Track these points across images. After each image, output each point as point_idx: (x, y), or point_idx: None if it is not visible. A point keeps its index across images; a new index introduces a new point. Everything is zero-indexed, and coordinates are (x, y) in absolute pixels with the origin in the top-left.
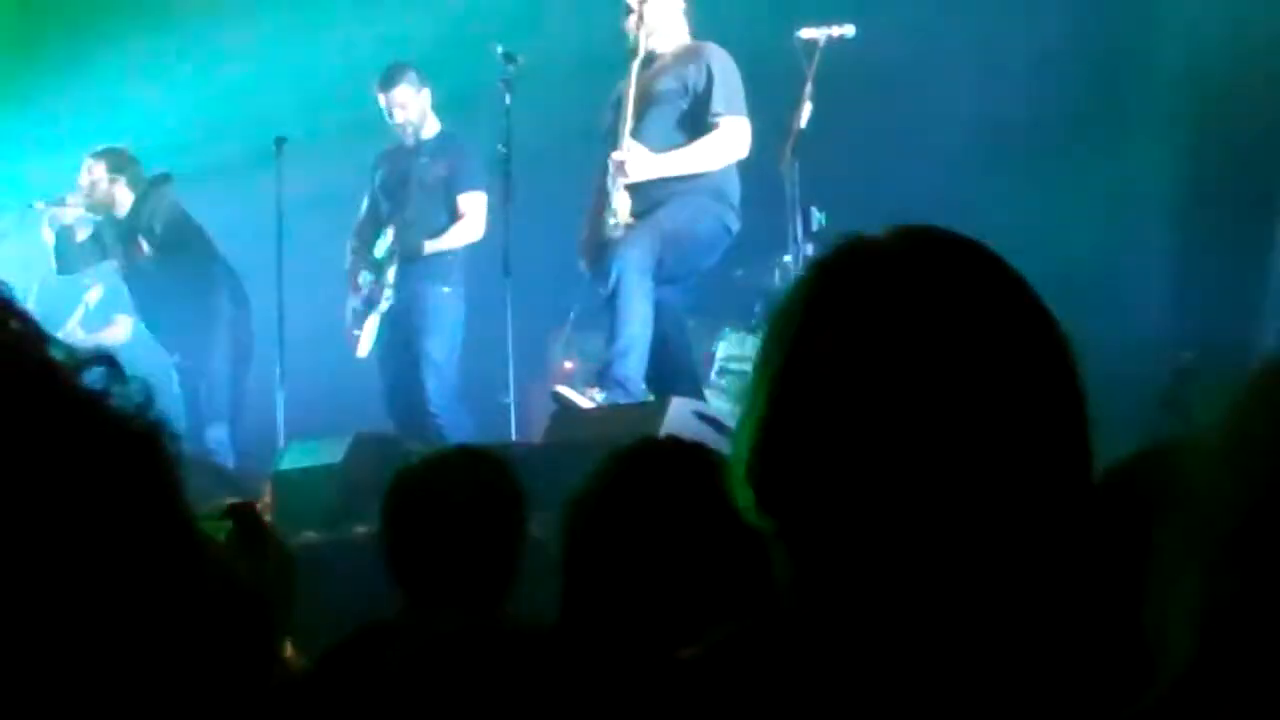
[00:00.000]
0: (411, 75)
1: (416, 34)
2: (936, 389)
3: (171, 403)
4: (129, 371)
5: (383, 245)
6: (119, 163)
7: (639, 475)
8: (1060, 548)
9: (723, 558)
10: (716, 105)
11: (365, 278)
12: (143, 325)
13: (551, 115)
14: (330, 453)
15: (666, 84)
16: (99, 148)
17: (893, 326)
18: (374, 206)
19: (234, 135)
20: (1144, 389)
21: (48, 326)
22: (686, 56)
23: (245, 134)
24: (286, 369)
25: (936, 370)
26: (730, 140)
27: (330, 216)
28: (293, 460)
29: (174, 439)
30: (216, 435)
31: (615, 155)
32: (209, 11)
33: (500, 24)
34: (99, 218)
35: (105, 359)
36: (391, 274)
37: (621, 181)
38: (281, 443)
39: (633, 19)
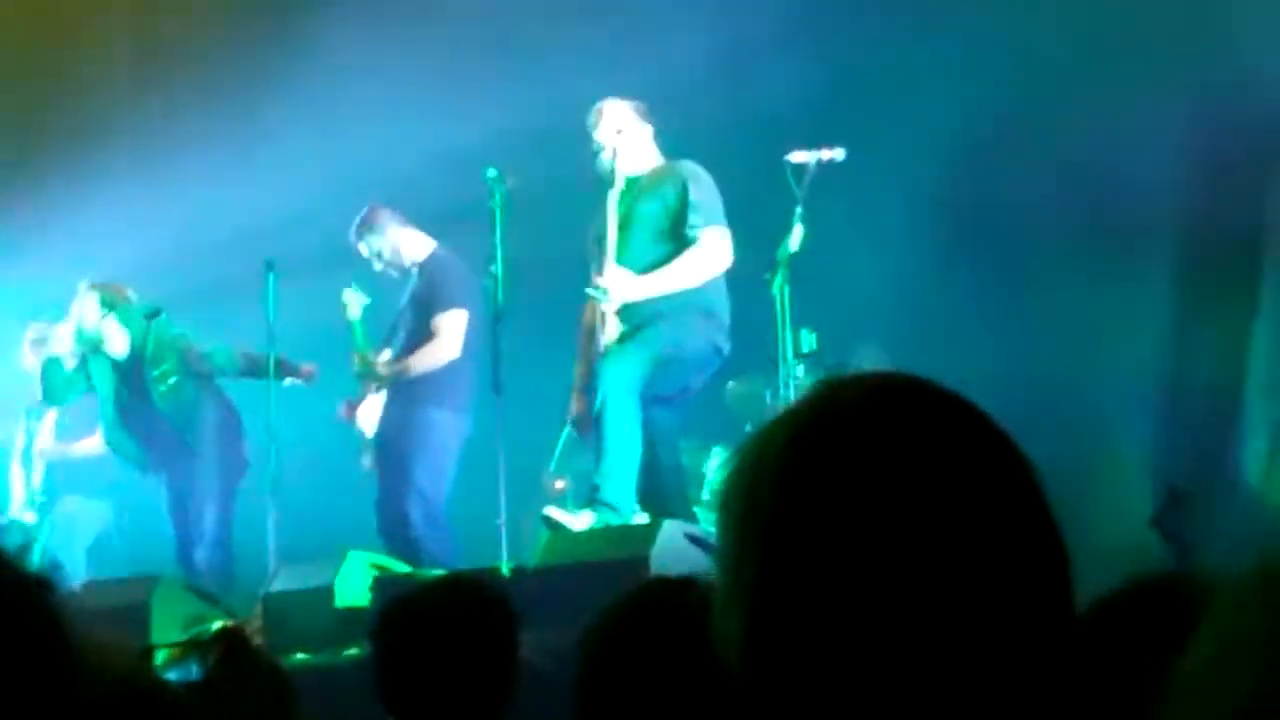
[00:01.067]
0: (379, 222)
1: (406, 153)
2: (919, 559)
3: (160, 523)
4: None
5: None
6: (111, 299)
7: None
8: (1046, 711)
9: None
10: (694, 218)
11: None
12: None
13: (543, 236)
14: (322, 575)
15: (646, 206)
16: (95, 279)
17: (869, 497)
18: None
19: (221, 257)
20: (1134, 513)
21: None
22: (662, 175)
23: (233, 256)
24: (279, 490)
25: (917, 540)
26: (711, 252)
27: (321, 336)
28: (284, 582)
29: (50, 590)
30: (205, 556)
31: (598, 279)
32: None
33: (492, 146)
34: (85, 350)
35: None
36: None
37: (605, 308)
38: (273, 565)
39: (606, 152)
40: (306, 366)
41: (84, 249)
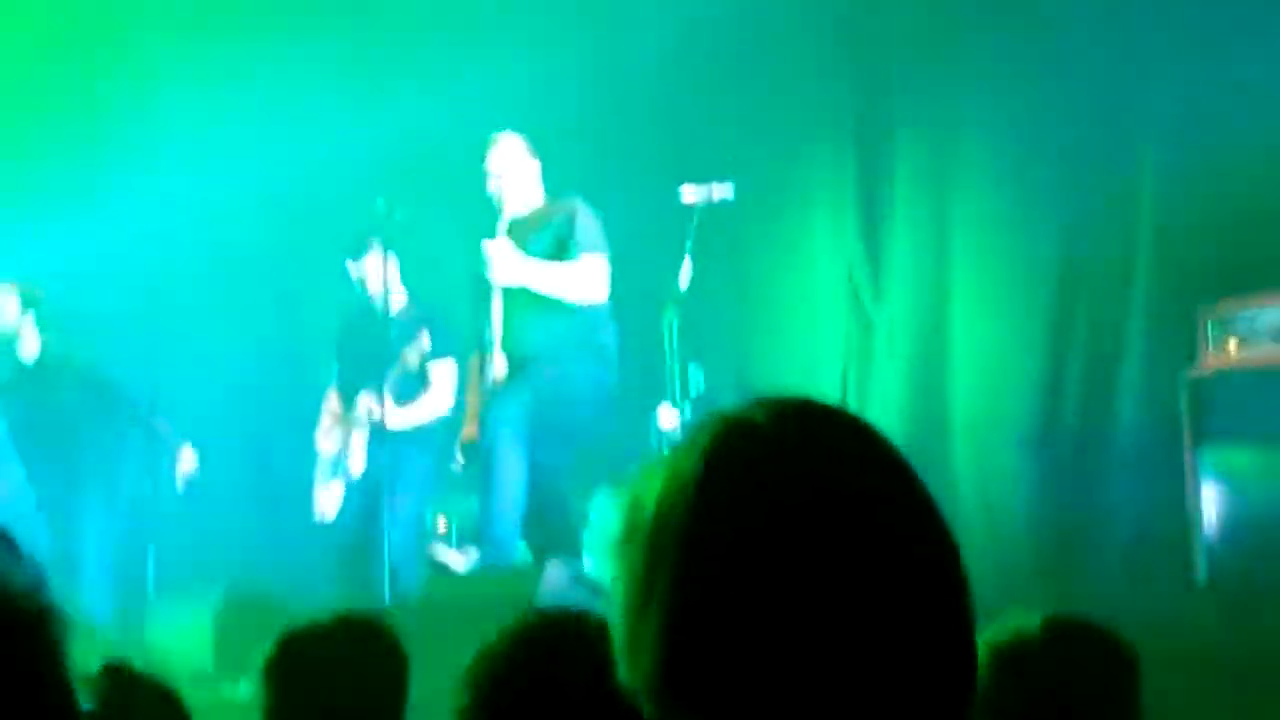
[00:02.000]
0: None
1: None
2: (822, 577)
3: (38, 548)
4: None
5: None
6: (31, 299)
7: (539, 656)
8: None
9: None
10: (576, 250)
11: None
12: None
13: (436, 265)
14: (201, 610)
15: (534, 241)
16: (11, 281)
17: (784, 511)
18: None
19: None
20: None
21: None
22: (550, 211)
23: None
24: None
25: (826, 562)
26: (590, 273)
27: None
28: (161, 617)
29: (62, 622)
30: (90, 587)
31: (487, 244)
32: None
33: (382, 175)
34: None
35: (5, 543)
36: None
37: (495, 281)
38: (152, 595)
39: (492, 182)
40: (186, 456)
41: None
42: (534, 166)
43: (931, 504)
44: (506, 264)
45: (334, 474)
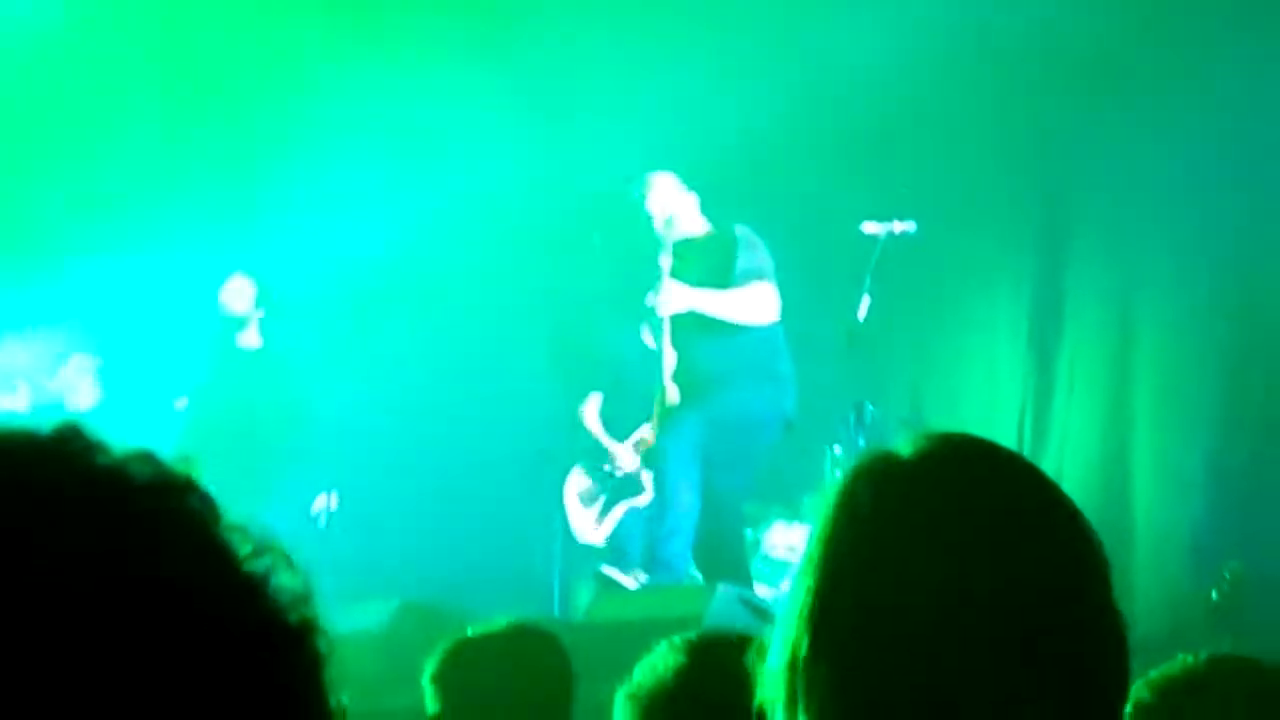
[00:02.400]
0: None
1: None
2: (964, 604)
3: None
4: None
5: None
6: (266, 295)
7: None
8: None
9: None
10: (741, 274)
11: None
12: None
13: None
14: (373, 619)
15: (697, 268)
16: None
17: (920, 546)
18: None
19: None
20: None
21: None
22: (713, 238)
23: None
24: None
25: (964, 582)
26: (758, 298)
27: None
28: (334, 624)
29: (325, 635)
30: None
31: (652, 295)
32: None
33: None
34: None
35: (276, 549)
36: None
37: (662, 312)
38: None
39: (657, 222)
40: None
41: None
42: (691, 199)
43: (1081, 530)
44: (675, 293)
45: (619, 498)
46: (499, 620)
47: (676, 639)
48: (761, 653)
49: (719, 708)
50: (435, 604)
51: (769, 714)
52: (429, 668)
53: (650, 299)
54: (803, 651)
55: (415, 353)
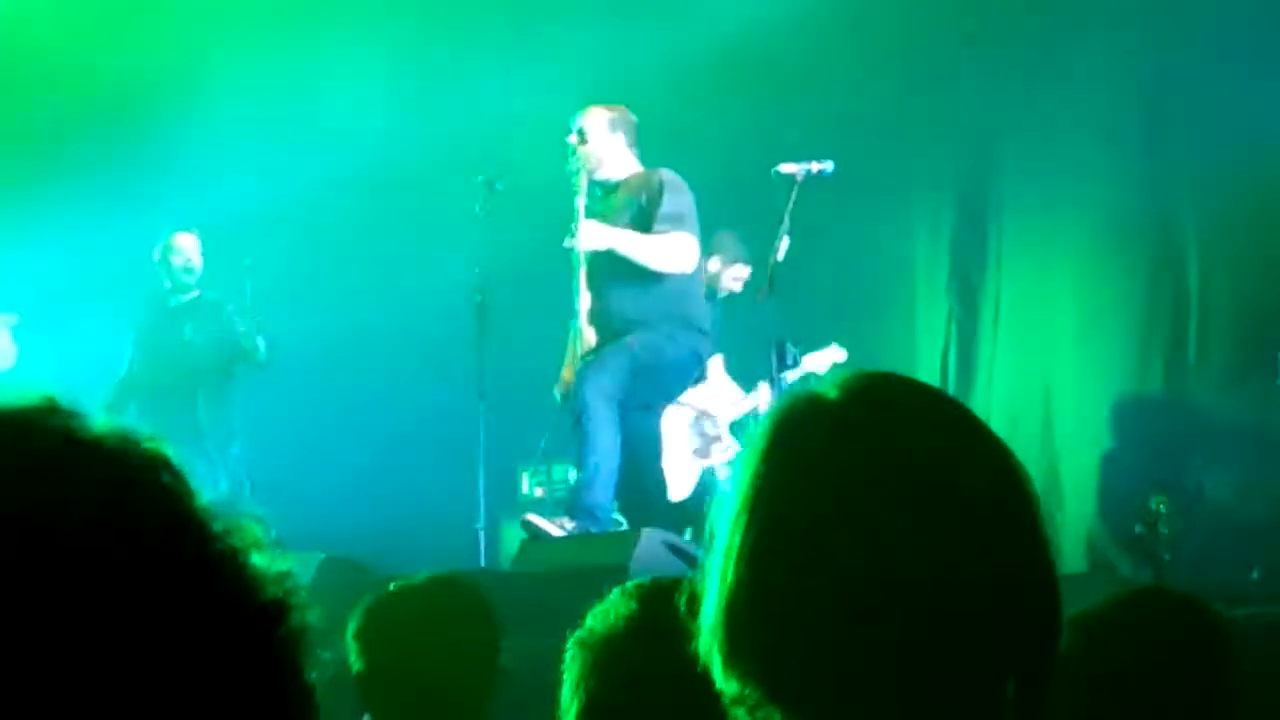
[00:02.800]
0: None
1: (401, 159)
2: (898, 544)
3: None
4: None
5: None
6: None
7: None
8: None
9: None
10: (662, 222)
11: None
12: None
13: (529, 245)
14: (297, 572)
15: (620, 211)
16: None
17: (853, 487)
18: None
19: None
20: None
21: None
22: (638, 182)
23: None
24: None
25: (897, 524)
26: (677, 246)
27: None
28: None
29: (302, 611)
30: None
31: (575, 226)
32: None
33: (479, 154)
34: None
35: (257, 521)
36: None
37: (578, 248)
38: None
39: (578, 154)
40: None
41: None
42: (618, 138)
43: (1011, 467)
44: (591, 231)
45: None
46: (420, 574)
47: (629, 585)
48: (694, 601)
49: (672, 655)
50: (359, 558)
51: (709, 666)
52: (351, 625)
53: (568, 239)
54: (739, 601)
55: (339, 310)
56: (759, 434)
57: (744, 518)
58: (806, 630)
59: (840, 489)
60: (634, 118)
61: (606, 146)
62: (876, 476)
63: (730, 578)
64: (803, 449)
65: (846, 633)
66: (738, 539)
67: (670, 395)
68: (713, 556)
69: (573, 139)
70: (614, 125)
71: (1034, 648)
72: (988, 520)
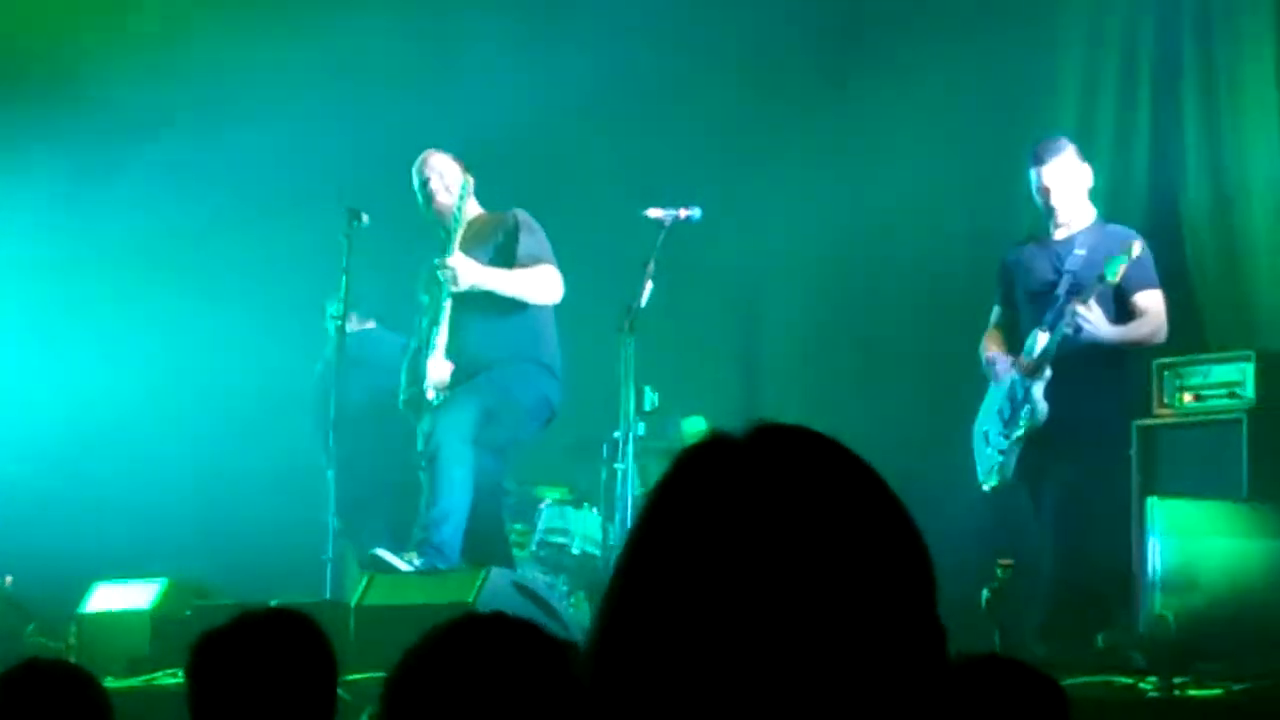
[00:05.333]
0: None
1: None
2: (781, 583)
3: None
4: None
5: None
6: None
7: (465, 651)
8: None
9: None
10: (523, 256)
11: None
12: None
13: (391, 275)
14: (139, 598)
15: (478, 249)
16: None
17: (739, 521)
18: None
19: None
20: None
21: None
22: (492, 222)
23: None
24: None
25: (780, 564)
26: (546, 280)
27: None
28: (99, 602)
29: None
30: None
31: (448, 260)
32: None
33: (346, 182)
34: None
35: None
36: None
37: (451, 287)
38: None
39: (436, 201)
40: None
41: None
42: (468, 181)
43: (910, 530)
44: (466, 266)
45: None
46: (260, 605)
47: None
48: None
49: (483, 691)
50: (203, 584)
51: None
52: (187, 659)
53: (441, 272)
54: (612, 637)
55: (186, 334)
56: (664, 471)
57: (626, 555)
58: (667, 679)
59: (730, 532)
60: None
61: (454, 185)
62: (769, 525)
63: (607, 613)
64: (691, 490)
65: (712, 685)
66: (618, 578)
67: (519, 437)
68: (605, 592)
69: (431, 182)
70: (463, 168)
71: (915, 711)
72: (875, 579)
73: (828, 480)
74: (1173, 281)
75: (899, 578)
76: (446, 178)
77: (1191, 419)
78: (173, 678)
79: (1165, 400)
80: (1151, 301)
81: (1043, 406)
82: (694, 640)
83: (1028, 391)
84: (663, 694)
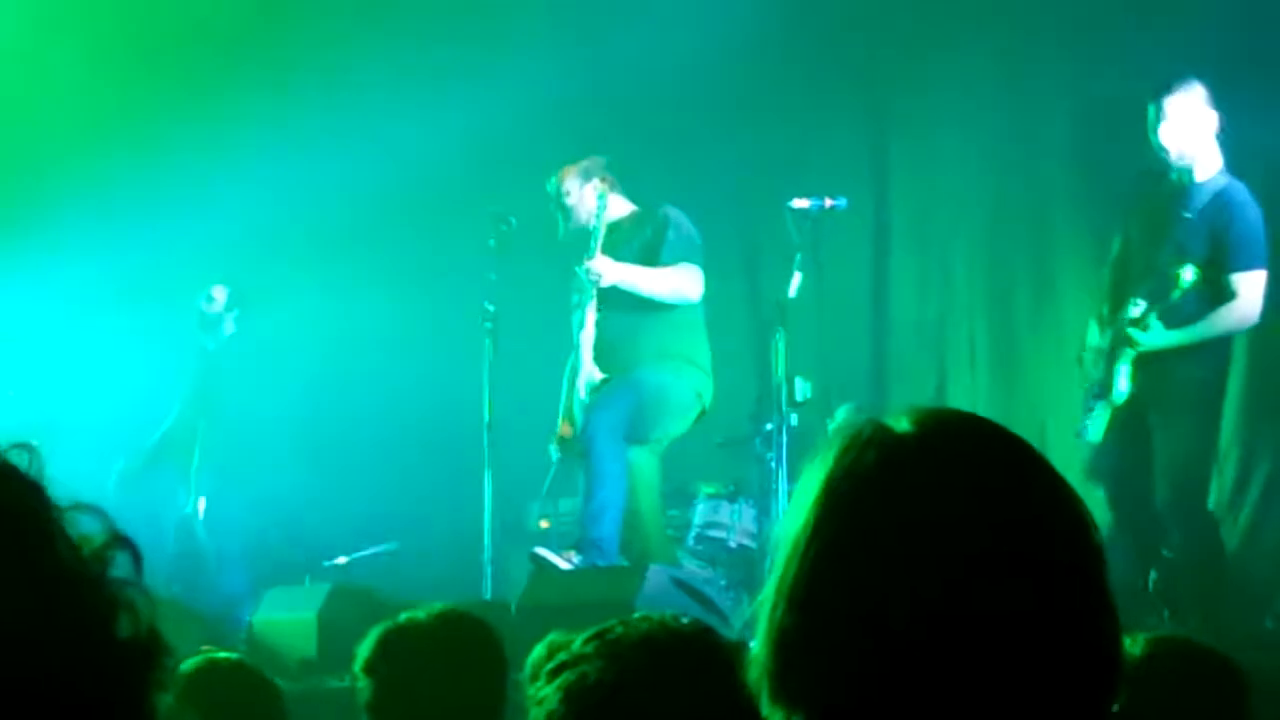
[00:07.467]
0: None
1: (411, 192)
2: (961, 585)
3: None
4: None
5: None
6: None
7: (655, 673)
8: None
9: None
10: (667, 254)
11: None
12: None
13: (539, 279)
14: (307, 603)
15: (621, 249)
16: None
17: (918, 524)
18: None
19: None
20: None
21: None
22: (641, 219)
23: None
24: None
25: (961, 566)
26: (686, 278)
27: None
28: (269, 609)
29: (138, 617)
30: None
31: (589, 262)
32: None
33: (493, 188)
34: None
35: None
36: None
37: (599, 282)
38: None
39: (578, 212)
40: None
41: None
42: (593, 185)
43: (1079, 513)
44: (608, 266)
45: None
46: (430, 606)
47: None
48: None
49: (651, 690)
50: (367, 588)
51: (757, 698)
52: (359, 657)
53: (586, 272)
54: (790, 630)
55: (351, 339)
56: (821, 461)
57: (800, 546)
58: (859, 665)
59: (902, 522)
60: (602, 158)
61: (588, 197)
62: (941, 512)
63: (782, 607)
64: (865, 479)
65: (901, 670)
66: (793, 568)
67: (670, 433)
68: (768, 583)
69: (569, 196)
70: (586, 174)
71: (1094, 695)
72: (1053, 564)
73: (1002, 468)
74: None
75: (1075, 561)
76: (576, 194)
77: None
78: (339, 681)
79: None
80: (1244, 285)
81: None
82: (895, 634)
83: None
84: (864, 692)
